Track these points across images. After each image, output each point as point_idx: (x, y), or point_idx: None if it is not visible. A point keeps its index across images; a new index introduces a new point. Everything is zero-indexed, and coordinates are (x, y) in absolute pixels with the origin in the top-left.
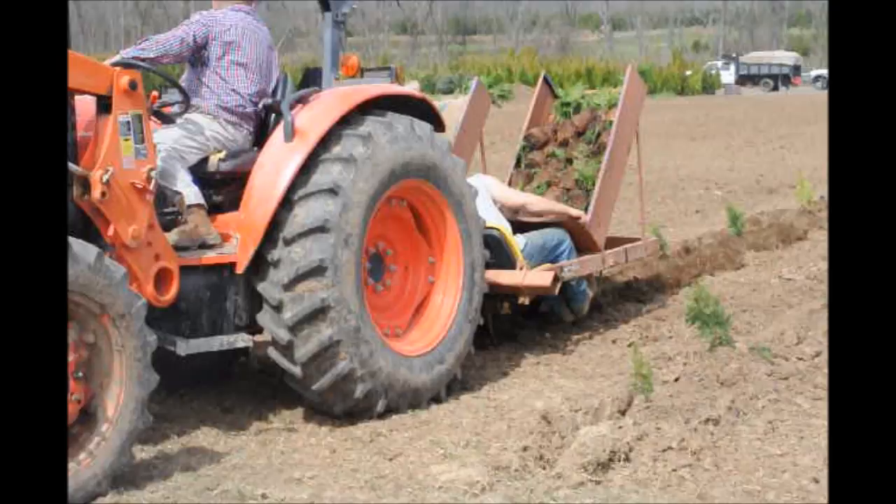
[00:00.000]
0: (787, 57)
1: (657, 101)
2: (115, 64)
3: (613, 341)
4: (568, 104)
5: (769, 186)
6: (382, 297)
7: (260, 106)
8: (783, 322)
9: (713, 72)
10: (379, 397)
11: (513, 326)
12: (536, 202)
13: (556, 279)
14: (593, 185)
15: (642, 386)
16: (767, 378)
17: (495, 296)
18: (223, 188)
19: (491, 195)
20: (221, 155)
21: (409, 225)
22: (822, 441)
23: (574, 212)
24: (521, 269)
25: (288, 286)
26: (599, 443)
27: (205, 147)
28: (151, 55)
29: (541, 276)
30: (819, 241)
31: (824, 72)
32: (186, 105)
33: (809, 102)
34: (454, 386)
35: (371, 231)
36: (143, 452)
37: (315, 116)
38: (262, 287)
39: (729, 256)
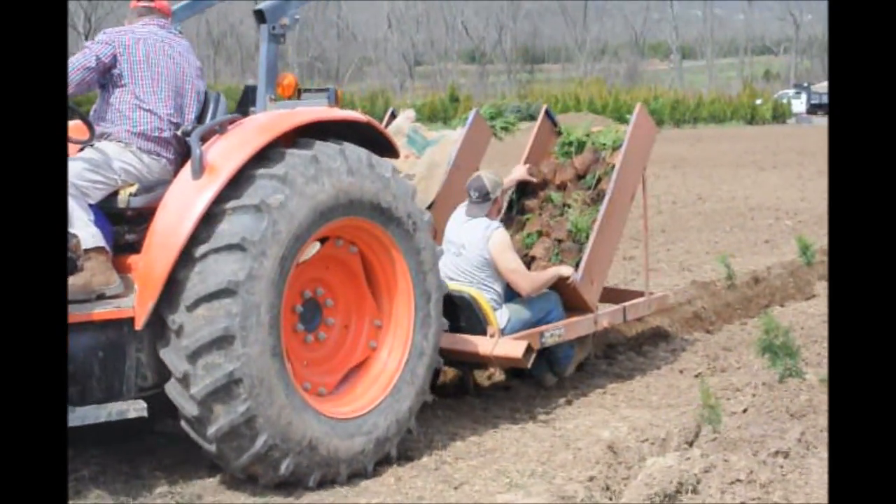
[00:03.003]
0: None
1: (727, 130)
2: None
3: (681, 371)
4: (570, 143)
5: None
6: (314, 349)
7: (180, 132)
8: None
9: (784, 101)
10: (311, 471)
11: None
12: (533, 290)
13: (528, 350)
14: (587, 237)
15: (710, 417)
16: None
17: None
18: (137, 226)
19: (489, 251)
20: (133, 189)
21: (356, 273)
22: None
23: (565, 271)
24: (492, 335)
25: (192, 357)
26: (666, 474)
27: (111, 181)
28: None
29: (512, 346)
30: None
31: None
32: (91, 134)
33: None
34: (518, 415)
35: (304, 274)
36: (209, 477)
37: (229, 150)
38: (164, 354)
39: (799, 287)
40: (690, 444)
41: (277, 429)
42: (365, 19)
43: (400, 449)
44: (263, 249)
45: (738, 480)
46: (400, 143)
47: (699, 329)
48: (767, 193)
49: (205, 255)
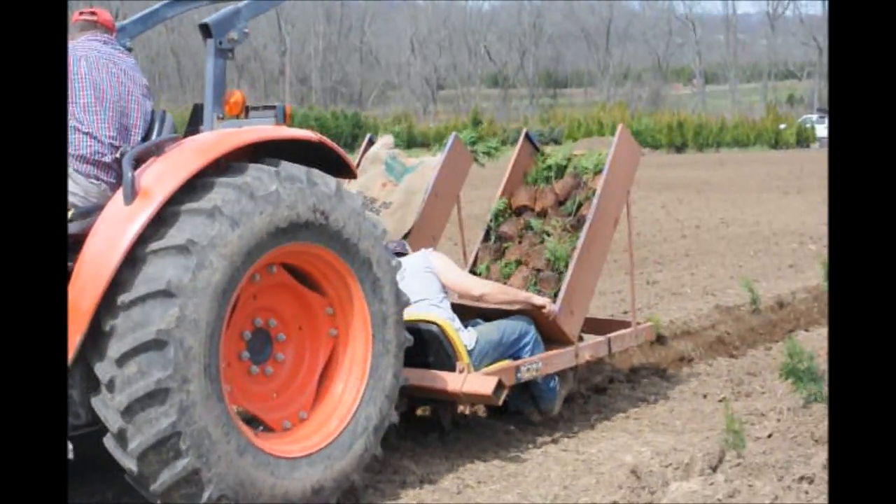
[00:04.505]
0: None
1: (750, 154)
2: None
3: (704, 396)
4: (549, 167)
5: None
6: (261, 383)
7: (119, 154)
8: None
9: (808, 125)
10: None
11: (603, 380)
12: (495, 293)
13: (499, 387)
14: (566, 266)
15: (734, 442)
16: None
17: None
18: (74, 253)
19: (441, 280)
20: (69, 214)
21: (309, 300)
22: None
23: (538, 300)
24: (461, 371)
25: (126, 413)
26: (690, 499)
27: None
28: None
29: (481, 382)
30: None
31: None
32: None
33: None
34: (540, 438)
35: (256, 301)
36: None
37: (163, 174)
38: (96, 405)
39: (823, 311)
40: (714, 469)
41: (225, 478)
42: (388, 44)
43: (422, 472)
44: (194, 291)
45: None
46: (377, 170)
47: (723, 354)
48: (791, 218)
49: (132, 303)
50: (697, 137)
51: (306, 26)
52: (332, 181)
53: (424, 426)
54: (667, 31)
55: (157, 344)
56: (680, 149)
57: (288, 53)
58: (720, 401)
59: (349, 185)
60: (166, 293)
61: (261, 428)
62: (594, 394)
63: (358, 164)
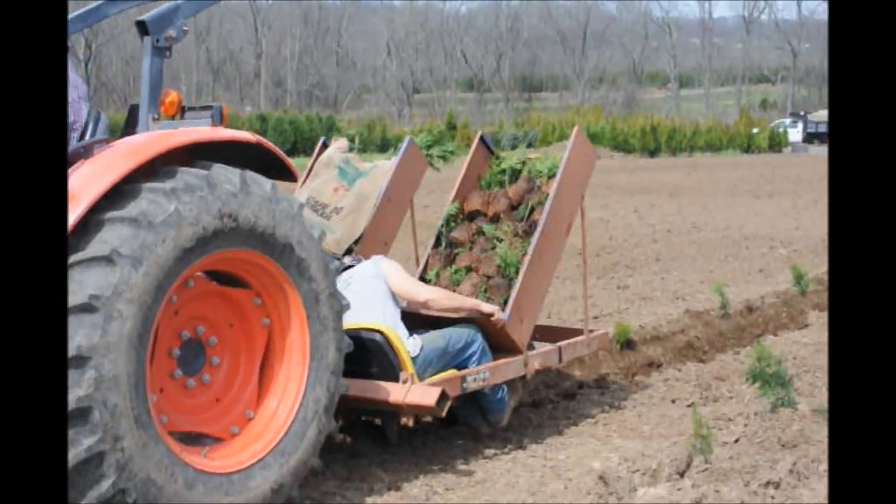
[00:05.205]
0: None
1: (723, 158)
2: None
3: (673, 401)
4: (503, 171)
5: None
6: (200, 393)
7: None
8: None
9: (781, 130)
10: None
11: (572, 385)
12: (440, 299)
13: (443, 397)
14: (517, 272)
15: (701, 447)
16: None
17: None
18: None
19: (382, 271)
20: None
21: (234, 296)
22: None
23: (486, 308)
24: (405, 381)
25: None
26: None
27: None
28: None
29: (425, 393)
30: None
31: None
32: None
33: None
34: (509, 445)
35: (182, 313)
36: None
37: (89, 177)
38: None
39: (792, 316)
40: (682, 475)
41: (132, 472)
42: (364, 47)
43: (390, 479)
44: (108, 348)
45: None
46: (330, 174)
47: (692, 358)
48: (762, 222)
49: None
50: (671, 141)
51: (283, 29)
52: (235, 176)
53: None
54: (643, 34)
55: (80, 412)
56: (653, 153)
57: (264, 56)
58: (688, 406)
59: (300, 191)
60: (79, 358)
61: (208, 445)
62: (563, 399)
63: (311, 168)
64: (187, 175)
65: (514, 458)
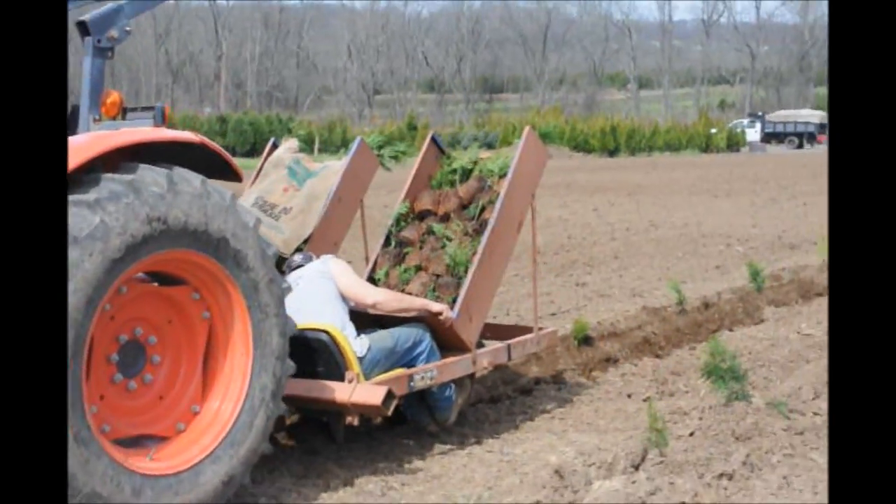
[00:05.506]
0: (812, 115)
1: (682, 158)
2: None
3: (629, 396)
4: (454, 171)
5: (791, 243)
6: (143, 394)
7: None
8: (800, 377)
9: (739, 130)
10: None
11: (529, 381)
12: (388, 301)
13: (389, 396)
14: (466, 271)
15: (657, 440)
16: (783, 433)
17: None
18: None
19: (330, 270)
20: None
21: (171, 293)
22: None
23: (435, 307)
24: (350, 380)
25: None
26: (612, 497)
27: None
28: None
29: (371, 392)
30: None
31: None
32: None
33: None
34: (465, 440)
35: (118, 317)
36: None
37: None
38: None
39: (748, 312)
40: (637, 468)
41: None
42: (325, 49)
43: (346, 476)
44: None
45: (684, 503)
46: (280, 174)
47: (649, 354)
48: (720, 220)
49: None
50: (630, 142)
51: (243, 31)
52: (161, 177)
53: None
54: (603, 36)
55: None
56: (613, 153)
57: (224, 58)
58: (644, 400)
59: (249, 191)
60: None
61: (155, 444)
62: (520, 395)
63: (260, 169)
64: (111, 183)
65: (470, 453)
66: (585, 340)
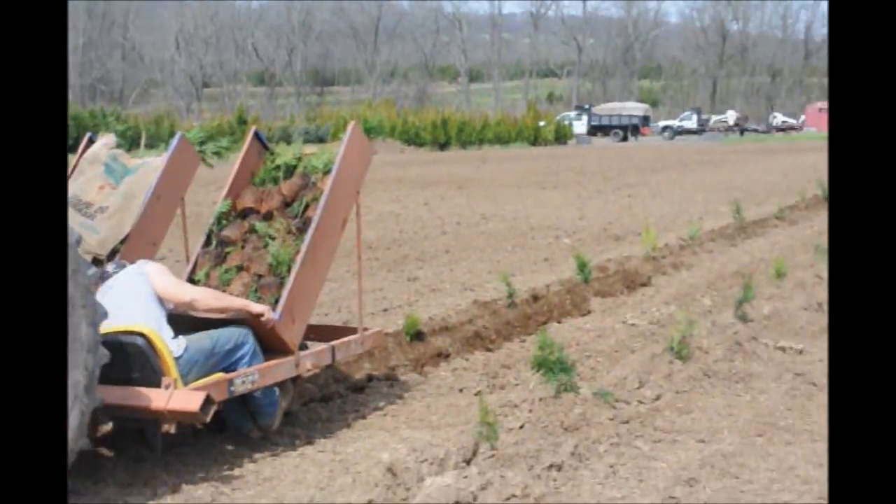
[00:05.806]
0: (636, 108)
1: (511, 151)
2: None
3: (461, 390)
4: (278, 167)
5: (616, 234)
6: None
7: None
8: (625, 367)
9: (566, 122)
10: None
11: (361, 378)
12: (206, 299)
13: (208, 402)
14: (289, 271)
15: (487, 434)
16: (609, 422)
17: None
18: None
19: (146, 272)
20: None
21: None
22: (661, 483)
23: (256, 308)
24: (167, 386)
25: None
26: (444, 493)
27: None
28: None
29: (188, 399)
30: (662, 286)
31: (671, 122)
32: None
33: (656, 152)
34: (297, 440)
35: None
36: None
37: None
38: None
39: (576, 303)
40: (468, 462)
41: None
42: (152, 40)
43: (174, 482)
44: None
45: (514, 496)
46: (96, 172)
47: (480, 348)
48: (548, 213)
49: None
50: (461, 135)
51: None
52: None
53: (170, 435)
54: (434, 29)
55: None
56: (444, 146)
57: None
58: (476, 394)
59: None
60: None
61: None
62: (352, 393)
63: (76, 166)
64: None
65: (302, 454)
66: (417, 336)
